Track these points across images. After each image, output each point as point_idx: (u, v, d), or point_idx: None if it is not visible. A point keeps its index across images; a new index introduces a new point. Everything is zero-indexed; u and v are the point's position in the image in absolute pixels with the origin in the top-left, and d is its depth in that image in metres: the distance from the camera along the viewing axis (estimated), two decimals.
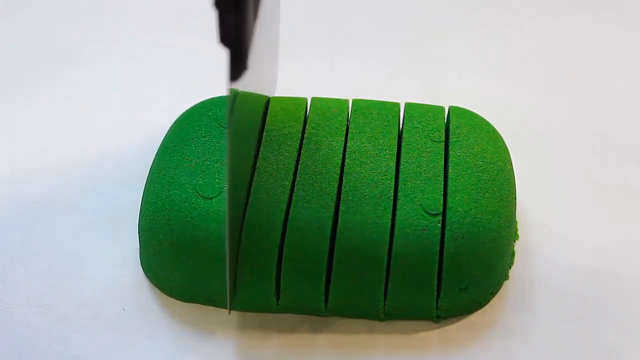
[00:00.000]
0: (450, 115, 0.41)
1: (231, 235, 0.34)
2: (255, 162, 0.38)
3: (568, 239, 0.41)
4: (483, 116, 0.42)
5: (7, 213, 0.42)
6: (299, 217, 0.36)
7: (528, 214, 0.42)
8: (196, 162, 0.38)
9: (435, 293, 0.36)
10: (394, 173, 0.38)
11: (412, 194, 0.37)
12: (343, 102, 0.41)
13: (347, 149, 0.39)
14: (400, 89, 0.49)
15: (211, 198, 0.37)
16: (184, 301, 0.38)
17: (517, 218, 0.41)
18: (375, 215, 0.36)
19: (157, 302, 0.38)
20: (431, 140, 0.39)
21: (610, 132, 0.47)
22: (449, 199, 0.37)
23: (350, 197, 0.37)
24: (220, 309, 0.38)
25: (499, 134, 0.41)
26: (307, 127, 0.40)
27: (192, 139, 0.40)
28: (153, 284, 0.39)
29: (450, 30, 0.54)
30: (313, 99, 0.42)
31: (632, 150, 0.46)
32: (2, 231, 0.41)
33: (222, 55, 0.31)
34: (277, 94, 0.44)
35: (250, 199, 0.37)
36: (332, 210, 0.36)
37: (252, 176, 0.38)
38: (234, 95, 0.32)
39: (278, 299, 0.37)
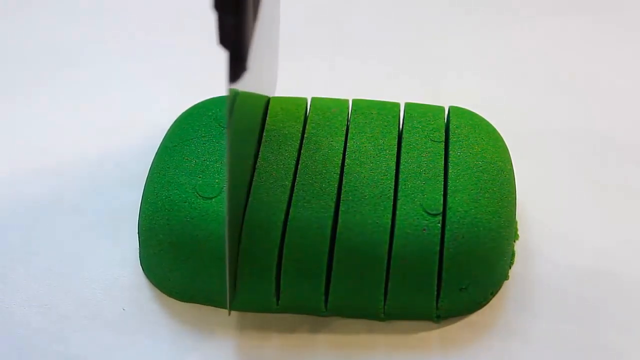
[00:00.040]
0: (450, 115, 0.41)
1: (231, 235, 0.34)
2: (255, 162, 0.38)
3: (568, 239, 0.41)
4: (483, 116, 0.42)
5: (7, 213, 0.42)
6: (299, 217, 0.36)
7: (528, 214, 0.42)
8: (196, 162, 0.38)
9: (435, 293, 0.36)
10: (394, 173, 0.38)
11: (412, 194, 0.37)
12: (343, 102, 0.41)
13: (347, 149, 0.39)
14: (400, 89, 0.49)
15: (211, 198, 0.37)
16: (184, 301, 0.38)
17: (517, 218, 0.41)
18: (375, 215, 0.36)
19: (157, 302, 0.38)
20: (431, 140, 0.39)
21: (610, 132, 0.47)
22: (449, 199, 0.37)
23: (350, 197, 0.37)
24: (220, 309, 0.38)
25: (499, 134, 0.41)
26: (307, 127, 0.40)
27: (192, 139, 0.40)
28: (153, 284, 0.39)
29: (450, 30, 0.54)
30: (313, 99, 0.42)
31: (632, 150, 0.46)
32: (2, 231, 0.41)
33: (222, 56, 0.31)
34: (277, 94, 0.44)
35: (250, 199, 0.37)
36: (332, 210, 0.36)
37: (252, 176, 0.38)
38: (234, 95, 0.32)
39: (278, 299, 0.37)
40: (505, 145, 0.41)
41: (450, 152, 0.39)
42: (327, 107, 0.41)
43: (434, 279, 0.36)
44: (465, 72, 0.51)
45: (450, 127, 0.40)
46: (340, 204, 0.37)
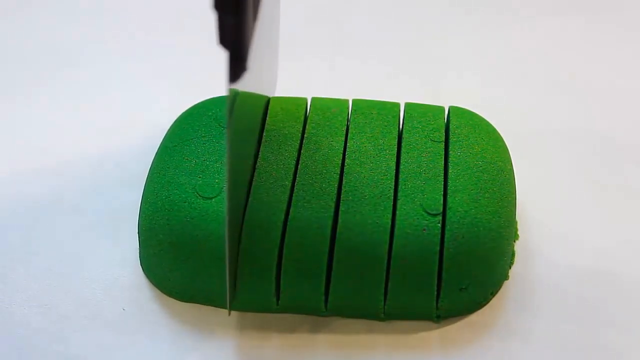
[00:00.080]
0: (450, 115, 0.41)
1: (231, 235, 0.34)
2: (255, 162, 0.38)
3: (568, 239, 0.41)
4: (483, 116, 0.42)
5: (7, 213, 0.42)
6: (299, 217, 0.36)
7: (528, 214, 0.42)
8: (196, 162, 0.38)
9: (435, 293, 0.36)
10: (394, 173, 0.38)
11: (412, 194, 0.37)
12: (343, 102, 0.41)
13: (347, 149, 0.39)
14: (400, 89, 0.49)
15: (211, 198, 0.37)
16: (184, 301, 0.38)
17: (517, 218, 0.41)
18: (375, 215, 0.36)
19: (157, 302, 0.38)
20: (431, 140, 0.39)
21: (610, 132, 0.47)
22: (449, 199, 0.37)
23: (350, 197, 0.37)
24: (220, 309, 0.38)
25: (499, 134, 0.41)
26: (307, 127, 0.40)
27: (192, 139, 0.40)
28: (153, 284, 0.39)
29: (450, 30, 0.54)
30: (313, 99, 0.42)
31: (632, 150, 0.46)
32: (2, 231, 0.41)
33: (222, 56, 0.31)
34: (277, 94, 0.44)
35: (250, 199, 0.37)
36: (332, 210, 0.36)
37: (252, 176, 0.38)
38: (234, 95, 0.32)
39: (278, 299, 0.37)
40: (505, 145, 0.41)
41: (450, 152, 0.39)
42: (327, 107, 0.41)
43: (434, 279, 0.36)
44: (465, 72, 0.51)
45: (450, 127, 0.40)
46: (340, 204, 0.37)
